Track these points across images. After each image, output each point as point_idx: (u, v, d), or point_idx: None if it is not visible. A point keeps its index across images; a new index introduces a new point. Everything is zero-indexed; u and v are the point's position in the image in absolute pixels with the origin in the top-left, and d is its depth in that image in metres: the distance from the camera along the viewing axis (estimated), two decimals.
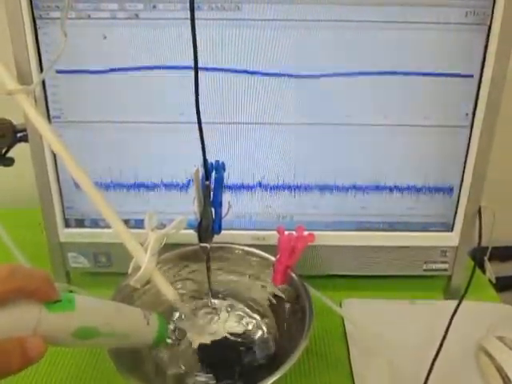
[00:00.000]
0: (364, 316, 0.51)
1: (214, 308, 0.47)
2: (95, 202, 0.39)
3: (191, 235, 0.42)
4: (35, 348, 0.27)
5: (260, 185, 0.52)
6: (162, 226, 0.40)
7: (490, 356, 0.45)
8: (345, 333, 0.50)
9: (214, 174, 0.40)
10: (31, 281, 0.28)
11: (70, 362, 0.47)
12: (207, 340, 0.43)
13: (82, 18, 0.46)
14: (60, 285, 0.47)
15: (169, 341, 0.39)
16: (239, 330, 0.45)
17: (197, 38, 0.34)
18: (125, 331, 0.35)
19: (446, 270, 0.55)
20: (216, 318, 0.46)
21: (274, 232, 0.46)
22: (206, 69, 0.47)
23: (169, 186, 0.52)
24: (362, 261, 0.55)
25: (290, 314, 0.44)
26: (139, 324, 0.36)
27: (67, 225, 0.54)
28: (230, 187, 0.51)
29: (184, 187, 0.52)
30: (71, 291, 0.53)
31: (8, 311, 0.27)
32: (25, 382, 0.45)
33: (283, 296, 0.46)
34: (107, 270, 0.55)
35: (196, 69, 0.35)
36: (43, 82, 0.48)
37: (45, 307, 0.28)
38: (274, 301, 0.47)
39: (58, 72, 0.48)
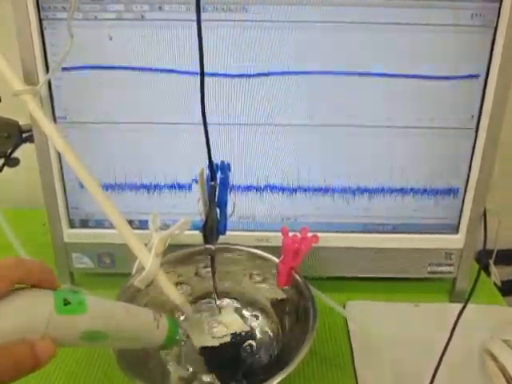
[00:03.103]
0: (368, 318, 0.51)
1: (218, 309, 0.47)
2: (100, 203, 0.39)
3: (196, 236, 0.42)
4: (45, 351, 0.27)
5: (264, 186, 0.52)
6: (166, 226, 0.40)
7: (494, 359, 0.45)
8: (348, 335, 0.50)
9: (219, 174, 0.40)
10: (32, 271, 0.28)
11: (72, 360, 0.47)
12: (211, 341, 0.43)
13: (88, 18, 0.46)
14: (63, 285, 0.47)
15: (179, 342, 0.39)
16: (243, 331, 0.45)
17: (203, 39, 0.34)
18: (134, 334, 0.35)
19: (450, 272, 0.55)
20: (220, 318, 0.46)
21: (279, 233, 0.46)
22: (212, 70, 0.47)
23: (173, 187, 0.52)
24: (366, 263, 0.55)
25: (294, 316, 0.44)
26: (149, 327, 0.36)
27: (72, 225, 0.54)
28: (234, 188, 0.51)
29: (189, 188, 0.52)
30: (74, 291, 0.54)
31: (18, 313, 0.27)
32: (26, 381, 0.45)
33: (287, 297, 0.46)
34: (111, 270, 0.55)
35: (202, 70, 0.35)
36: (49, 83, 0.48)
37: (55, 310, 0.28)
38: (278, 302, 0.47)
39: (64, 69, 0.48)
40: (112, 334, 0.32)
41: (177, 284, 0.41)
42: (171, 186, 0.52)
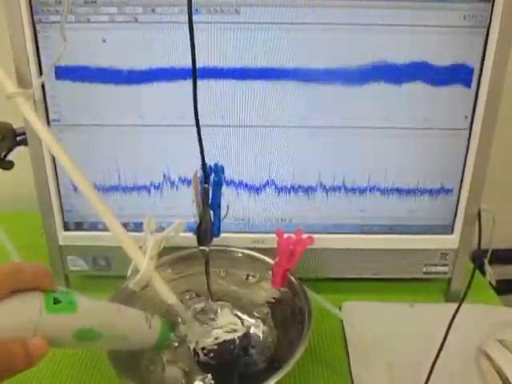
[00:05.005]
0: (363, 319, 0.51)
1: (213, 311, 0.46)
2: (94, 205, 0.39)
3: (190, 238, 0.42)
4: (38, 348, 0.27)
5: (259, 187, 0.52)
6: (161, 229, 0.40)
7: (490, 359, 0.45)
8: (344, 336, 0.50)
9: (212, 176, 0.40)
10: (27, 277, 0.28)
11: (70, 363, 0.47)
12: (206, 343, 0.43)
13: (81, 21, 0.46)
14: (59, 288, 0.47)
15: (171, 343, 0.39)
16: (238, 333, 0.45)
17: (195, 42, 0.34)
18: (125, 334, 0.35)
19: (445, 272, 0.55)
20: (215, 321, 0.46)
21: (273, 235, 0.46)
22: (205, 72, 0.47)
23: (167, 189, 0.52)
24: (362, 264, 0.55)
25: (289, 317, 0.44)
26: (140, 327, 0.36)
27: (66, 228, 0.54)
28: (228, 190, 0.51)
29: (183, 190, 0.52)
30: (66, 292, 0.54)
31: (8, 312, 0.27)
32: (24, 383, 0.45)
33: (282, 299, 0.46)
34: (106, 273, 0.55)
35: (194, 72, 0.35)
36: (43, 86, 0.48)
37: (45, 309, 0.28)
38: (273, 304, 0.47)
39: (58, 78, 0.48)
40: (104, 334, 0.32)
41: (171, 286, 0.40)
42: (165, 188, 0.52)
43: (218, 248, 0.47)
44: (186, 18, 0.34)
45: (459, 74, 0.48)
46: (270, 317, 0.47)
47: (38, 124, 0.41)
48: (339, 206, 0.53)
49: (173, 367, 0.42)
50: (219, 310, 0.47)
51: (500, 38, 0.45)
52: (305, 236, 0.45)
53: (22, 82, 0.46)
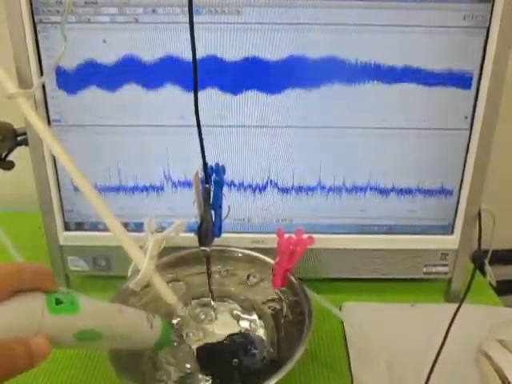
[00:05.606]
0: (364, 319, 0.51)
1: (214, 311, 0.47)
2: (94, 205, 0.39)
3: (191, 238, 0.42)
4: (40, 348, 0.27)
5: (259, 188, 0.52)
6: (162, 229, 0.40)
7: (490, 359, 0.45)
8: (344, 336, 0.50)
9: (213, 176, 0.40)
10: (28, 277, 0.28)
11: (71, 363, 0.47)
12: (206, 343, 0.43)
13: (81, 22, 0.46)
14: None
15: (172, 343, 0.39)
16: (238, 332, 0.45)
17: (196, 42, 0.34)
18: (127, 334, 0.35)
19: (446, 273, 0.55)
20: (215, 321, 0.46)
21: (274, 235, 0.46)
22: (206, 72, 0.47)
23: (168, 189, 0.52)
24: (362, 264, 0.55)
25: (290, 318, 0.44)
26: (142, 327, 0.36)
27: (67, 228, 0.54)
28: (229, 190, 0.52)
29: (184, 190, 0.52)
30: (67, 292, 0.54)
31: (10, 313, 0.27)
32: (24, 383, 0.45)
33: (283, 299, 0.46)
34: (106, 273, 0.55)
35: (195, 72, 0.35)
36: (43, 86, 0.48)
37: (47, 309, 0.28)
38: (274, 304, 0.47)
39: (59, 86, 0.48)
40: (106, 334, 0.32)
41: (172, 286, 0.41)
42: (166, 188, 0.52)
43: (219, 248, 0.47)
44: (186, 18, 0.34)
45: (459, 75, 0.48)
46: (271, 317, 0.47)
47: (38, 124, 0.41)
48: (339, 206, 0.53)
49: (173, 368, 0.42)
50: (220, 310, 0.47)
51: (500, 39, 0.45)
52: (305, 236, 0.45)
53: (23, 82, 0.46)
